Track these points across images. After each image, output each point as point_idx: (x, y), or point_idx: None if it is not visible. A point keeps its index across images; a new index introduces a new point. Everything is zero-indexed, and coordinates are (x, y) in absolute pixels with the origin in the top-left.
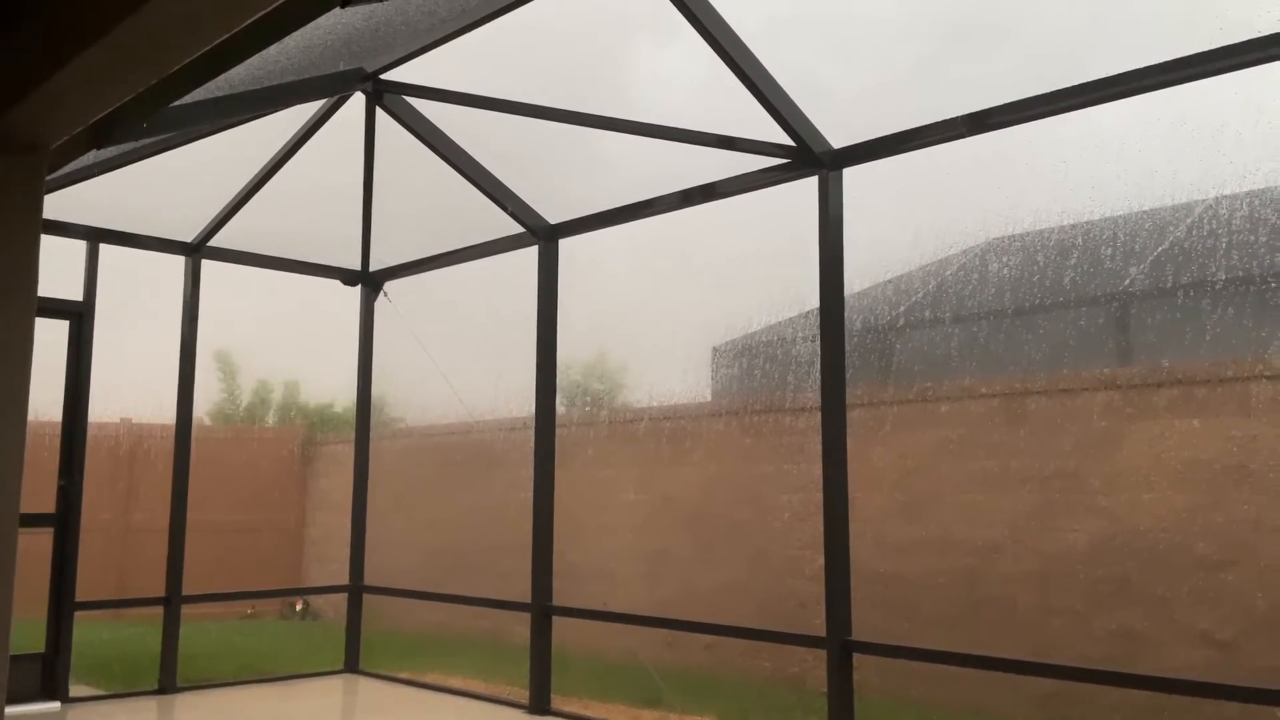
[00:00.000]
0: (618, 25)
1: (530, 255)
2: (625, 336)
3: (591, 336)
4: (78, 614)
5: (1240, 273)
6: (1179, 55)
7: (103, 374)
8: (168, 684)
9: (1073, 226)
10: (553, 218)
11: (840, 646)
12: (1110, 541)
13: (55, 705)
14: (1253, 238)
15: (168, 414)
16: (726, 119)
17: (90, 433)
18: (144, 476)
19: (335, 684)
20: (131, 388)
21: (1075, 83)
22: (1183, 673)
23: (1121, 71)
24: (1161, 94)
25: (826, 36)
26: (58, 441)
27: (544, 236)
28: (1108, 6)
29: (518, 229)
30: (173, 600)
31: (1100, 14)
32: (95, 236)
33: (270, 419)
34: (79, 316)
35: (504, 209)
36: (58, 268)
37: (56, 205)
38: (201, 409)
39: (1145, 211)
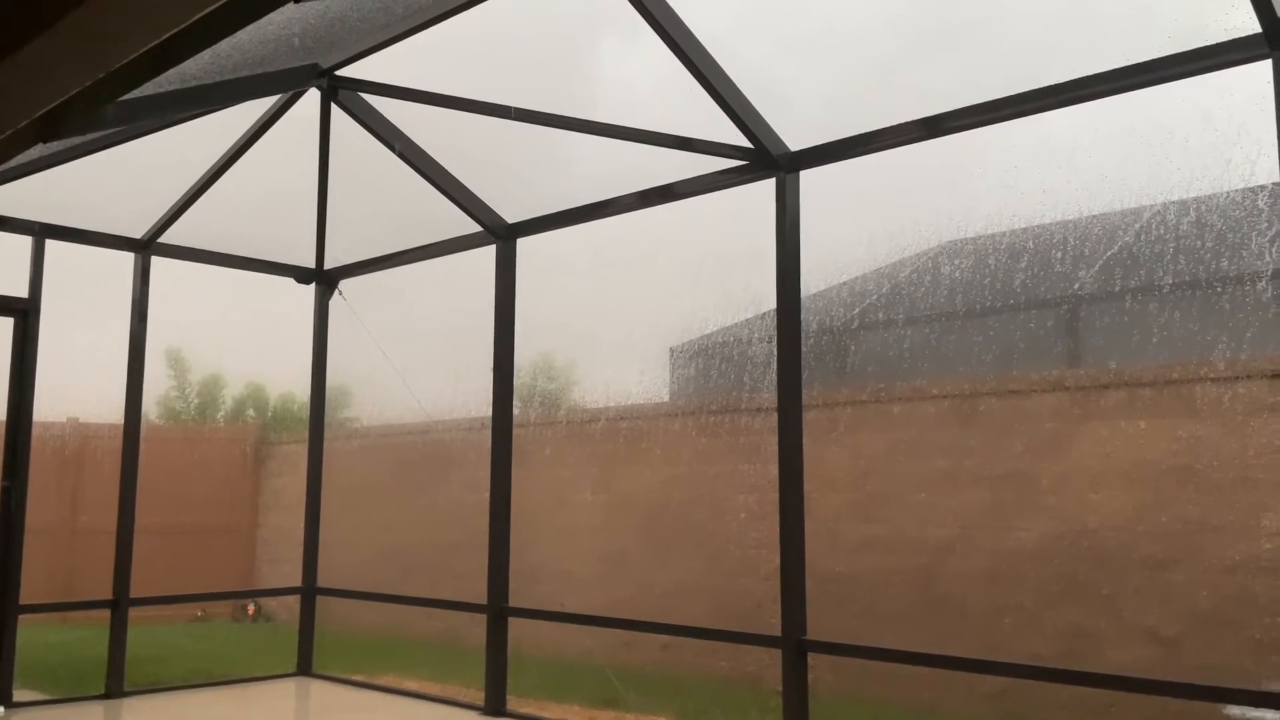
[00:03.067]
0: (579, 24)
1: (488, 254)
2: (583, 336)
3: (549, 336)
4: (22, 617)
5: (1187, 277)
6: (1129, 63)
7: (49, 372)
8: (115, 688)
9: (1024, 230)
10: (511, 217)
11: (795, 646)
12: (1059, 541)
13: None
14: (1199, 243)
15: (116, 414)
16: (687, 120)
17: (36, 432)
18: (91, 477)
19: (287, 687)
20: (79, 387)
21: (1028, 89)
22: (1130, 669)
23: (1073, 78)
24: (1112, 101)
25: (785, 40)
26: (1, 442)
27: (502, 235)
28: (1061, 15)
29: (476, 228)
30: (120, 603)
31: (1053, 22)
32: (42, 232)
33: (222, 418)
34: (24, 314)
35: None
36: (2, 263)
37: (1, 200)
38: (152, 408)
39: (1095, 216)
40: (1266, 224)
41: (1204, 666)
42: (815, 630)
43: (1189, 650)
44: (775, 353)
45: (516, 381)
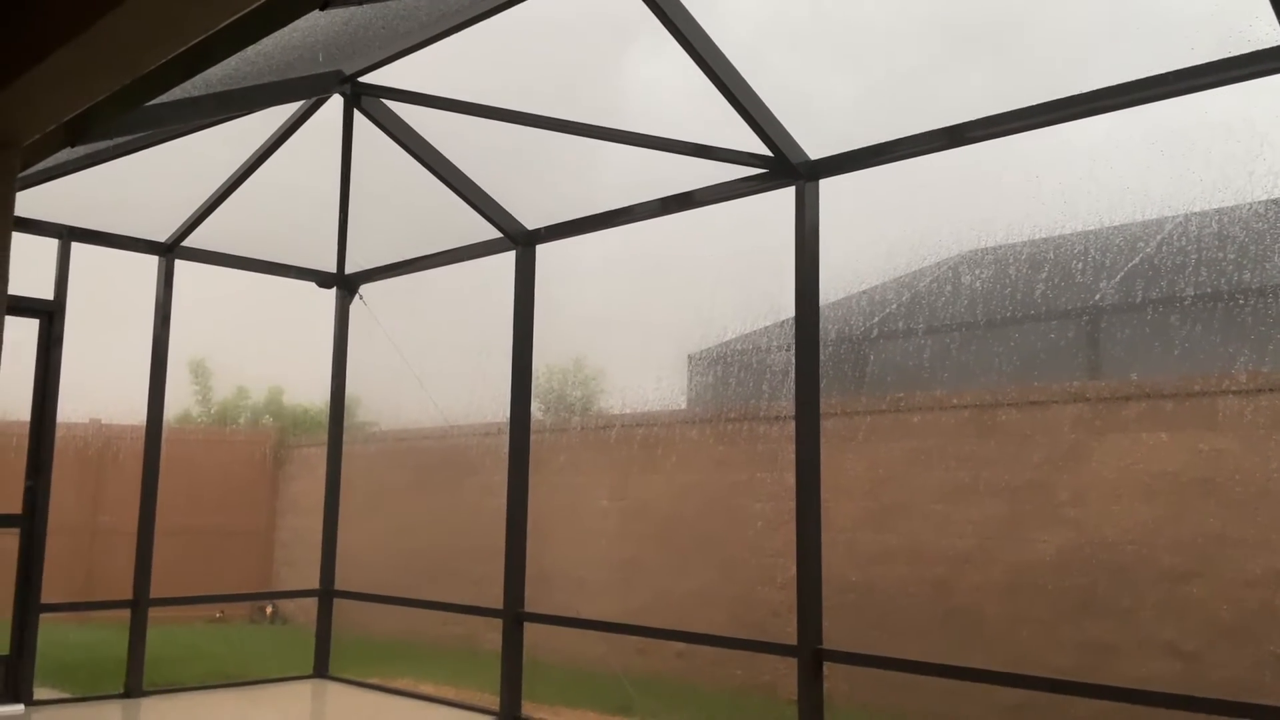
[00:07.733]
0: (601, 33)
1: (508, 260)
2: (601, 343)
3: (568, 342)
4: (43, 616)
5: (1209, 289)
6: (1152, 74)
7: (73, 374)
8: (134, 688)
9: (1044, 240)
10: (530, 223)
11: (811, 655)
12: (1078, 553)
13: (19, 708)
14: (1221, 255)
15: (138, 415)
16: (708, 127)
17: (59, 433)
18: (113, 478)
19: (304, 689)
20: (102, 388)
21: (1050, 98)
22: (1149, 683)
23: (1095, 88)
24: (1133, 111)
25: (807, 49)
26: (25, 442)
27: (521, 241)
28: (1082, 26)
29: (496, 233)
30: (140, 603)
31: (1075, 33)
32: (67, 235)
33: (242, 421)
34: (49, 315)
35: None
36: (29, 266)
37: (29, 202)
38: (173, 411)
39: (1116, 227)
40: None
41: (1224, 681)
42: (831, 640)
43: (1209, 664)
44: (794, 361)
45: (544, 386)
